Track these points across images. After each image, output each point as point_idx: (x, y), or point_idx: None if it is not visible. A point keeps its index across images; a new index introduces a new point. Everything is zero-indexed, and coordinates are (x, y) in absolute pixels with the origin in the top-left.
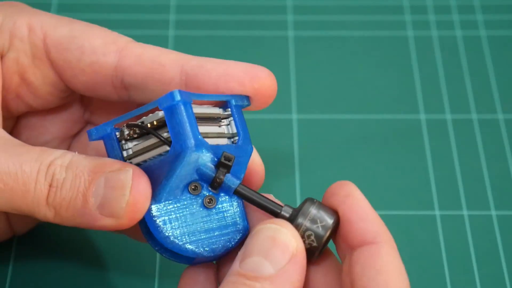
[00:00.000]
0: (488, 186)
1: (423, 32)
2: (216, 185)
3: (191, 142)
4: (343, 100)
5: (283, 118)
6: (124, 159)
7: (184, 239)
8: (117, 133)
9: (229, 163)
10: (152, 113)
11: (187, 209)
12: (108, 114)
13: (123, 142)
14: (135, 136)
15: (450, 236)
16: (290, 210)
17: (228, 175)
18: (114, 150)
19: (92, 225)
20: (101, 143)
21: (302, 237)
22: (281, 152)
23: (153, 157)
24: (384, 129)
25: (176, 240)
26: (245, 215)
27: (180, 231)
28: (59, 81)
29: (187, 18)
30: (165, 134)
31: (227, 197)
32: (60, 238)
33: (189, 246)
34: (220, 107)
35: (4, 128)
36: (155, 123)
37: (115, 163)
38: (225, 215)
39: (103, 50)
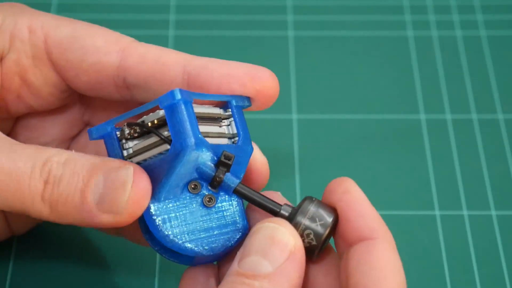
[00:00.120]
0: (488, 186)
1: (423, 32)
2: (215, 184)
3: (191, 140)
4: (343, 100)
5: (283, 118)
6: (124, 158)
7: (183, 238)
8: (117, 133)
9: (229, 162)
10: (152, 112)
11: (187, 208)
12: (108, 116)
13: (124, 141)
14: (136, 135)
15: (450, 236)
16: (289, 209)
17: (228, 174)
18: (114, 149)
19: (89, 222)
20: (100, 145)
21: (301, 236)
22: (281, 152)
23: (154, 156)
24: (384, 129)
25: (175, 238)
26: (244, 214)
27: (179, 230)
28: (60, 82)
29: (187, 18)
30: (165, 133)
31: (226, 196)
32: (60, 238)
33: (189, 245)
34: (221, 108)
35: (3, 129)
36: (155, 122)
37: (113, 161)
38: (225, 214)
39: (105, 50)
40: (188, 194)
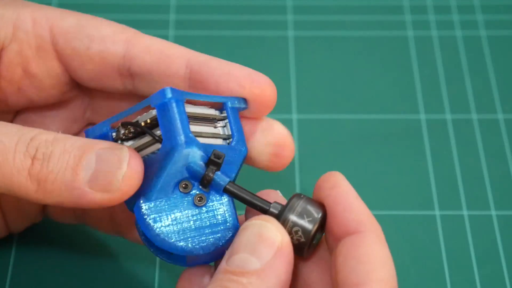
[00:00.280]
0: (488, 186)
1: (423, 32)
2: (205, 183)
3: (181, 138)
4: (343, 100)
5: (283, 118)
6: None
7: (174, 237)
8: (113, 134)
9: (219, 161)
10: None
11: (178, 207)
12: (110, 114)
13: (119, 141)
14: (130, 135)
15: (450, 236)
16: (278, 207)
17: (218, 173)
18: None
19: (79, 201)
20: None
21: (290, 233)
22: None
23: (147, 155)
24: (384, 129)
25: (166, 238)
26: (235, 213)
27: (170, 229)
28: (64, 73)
29: (187, 18)
30: (158, 132)
31: (217, 195)
32: (61, 237)
33: (179, 244)
34: (216, 109)
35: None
36: (148, 121)
37: (104, 142)
38: (216, 213)
39: (112, 39)
40: (179, 193)
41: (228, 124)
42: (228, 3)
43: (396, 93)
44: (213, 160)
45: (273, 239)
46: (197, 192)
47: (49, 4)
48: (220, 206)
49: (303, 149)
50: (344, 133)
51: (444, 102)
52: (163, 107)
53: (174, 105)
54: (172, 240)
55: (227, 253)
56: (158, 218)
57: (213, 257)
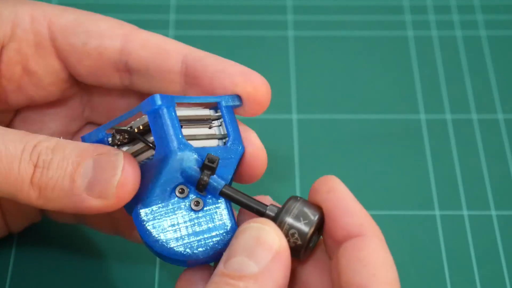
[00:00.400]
0: (488, 186)
1: (423, 32)
2: (201, 187)
3: (174, 145)
4: (343, 100)
5: (283, 118)
6: None
7: (173, 243)
8: (109, 139)
9: (213, 165)
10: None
11: (175, 213)
12: (108, 112)
13: (115, 147)
14: (125, 141)
15: (450, 236)
16: (275, 209)
17: (214, 177)
18: None
19: (78, 207)
20: None
21: (286, 235)
22: (281, 152)
23: (141, 161)
24: (384, 129)
25: (165, 243)
26: (233, 216)
27: (169, 235)
28: (62, 70)
29: (187, 18)
30: (151, 138)
31: (214, 199)
32: (61, 237)
33: (179, 249)
34: (211, 109)
35: (2, 121)
36: (141, 127)
37: (102, 147)
38: (213, 217)
39: (109, 34)
40: (176, 198)
41: (223, 123)
42: (228, 3)
43: (396, 93)
44: (207, 164)
45: (271, 243)
46: (194, 197)
47: (48, 2)
48: (217, 210)
49: (303, 149)
50: (344, 133)
51: (444, 102)
52: (154, 114)
53: (164, 111)
54: (171, 246)
55: (225, 255)
56: (156, 224)
57: (213, 259)
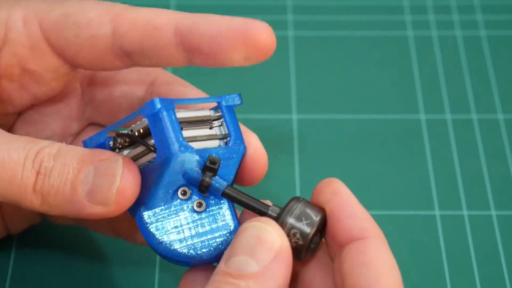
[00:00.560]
0: (488, 186)
1: (423, 32)
2: (203, 189)
3: (175, 148)
4: (343, 100)
5: (283, 118)
6: None
7: (176, 244)
8: (110, 143)
9: (215, 167)
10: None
11: (178, 214)
12: (110, 112)
13: (117, 150)
14: (127, 144)
15: (450, 236)
16: (277, 210)
17: (216, 178)
18: None
19: (80, 213)
20: None
21: (288, 235)
22: (281, 152)
23: (143, 164)
24: (384, 129)
25: (168, 245)
26: (236, 216)
27: (172, 236)
28: (62, 64)
29: None
30: (152, 141)
31: (216, 200)
32: (61, 238)
33: (182, 251)
34: (211, 109)
35: (5, 123)
36: (141, 131)
37: (104, 153)
38: (216, 217)
39: (98, 22)
40: (178, 200)
41: (223, 123)
42: (228, 3)
43: (396, 93)
44: (209, 166)
45: (273, 242)
46: (196, 198)
47: None
48: (220, 210)
49: (303, 149)
50: (344, 133)
51: (444, 102)
52: (154, 118)
53: (164, 114)
54: (175, 247)
55: (226, 253)
56: (159, 226)
57: (217, 259)
